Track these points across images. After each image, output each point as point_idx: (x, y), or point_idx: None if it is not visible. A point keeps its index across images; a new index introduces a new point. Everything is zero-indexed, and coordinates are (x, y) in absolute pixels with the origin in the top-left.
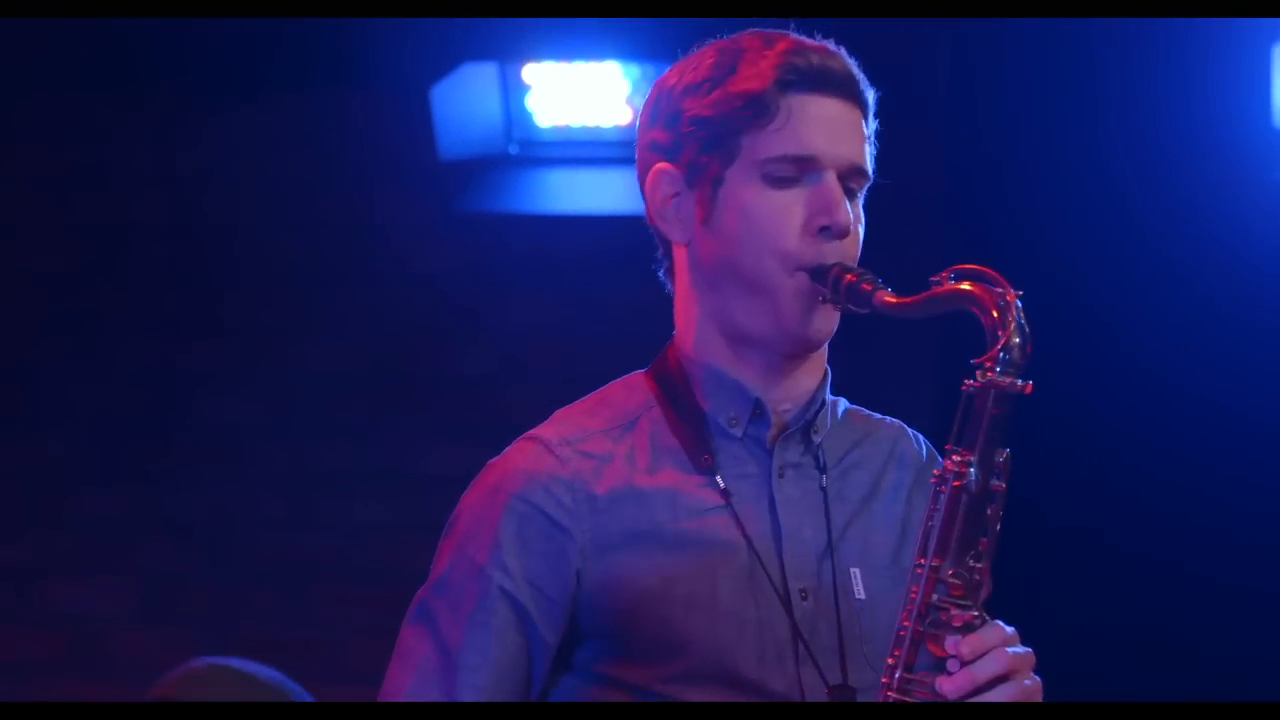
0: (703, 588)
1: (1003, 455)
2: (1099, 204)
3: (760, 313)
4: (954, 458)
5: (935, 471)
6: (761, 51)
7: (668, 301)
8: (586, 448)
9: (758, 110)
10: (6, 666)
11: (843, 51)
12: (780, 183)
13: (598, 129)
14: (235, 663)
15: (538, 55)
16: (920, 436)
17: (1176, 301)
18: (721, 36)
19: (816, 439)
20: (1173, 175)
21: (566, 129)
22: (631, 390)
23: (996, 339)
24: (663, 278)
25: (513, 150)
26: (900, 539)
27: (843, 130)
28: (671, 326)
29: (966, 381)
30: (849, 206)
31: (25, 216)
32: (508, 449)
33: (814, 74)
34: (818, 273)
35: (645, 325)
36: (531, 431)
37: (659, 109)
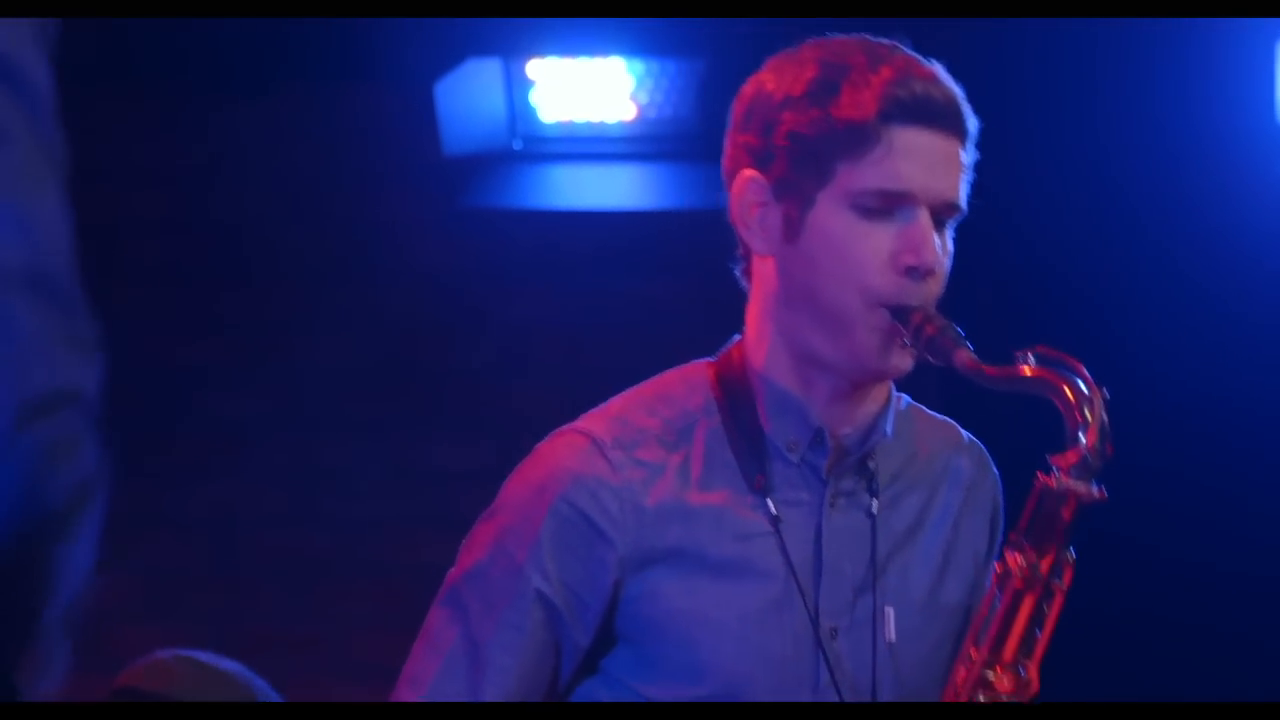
0: (732, 616)
1: (1069, 559)
2: (1102, 201)
3: (836, 342)
4: (1019, 556)
5: (997, 567)
6: (866, 75)
7: (673, 297)
8: (640, 454)
9: (857, 139)
10: None
11: (947, 78)
12: (870, 214)
13: (602, 125)
14: (200, 655)
15: (542, 51)
16: (975, 444)
17: (1180, 298)
18: (822, 35)
19: (872, 465)
20: (1176, 172)
21: (570, 125)
22: (692, 388)
23: (1078, 440)
24: (738, 275)
25: (517, 146)
26: (941, 571)
27: (940, 165)
28: (694, 325)
29: (1041, 477)
30: (938, 241)
31: None
32: (559, 438)
33: (917, 106)
34: (899, 311)
35: (650, 321)
36: (587, 423)
37: (754, 112)
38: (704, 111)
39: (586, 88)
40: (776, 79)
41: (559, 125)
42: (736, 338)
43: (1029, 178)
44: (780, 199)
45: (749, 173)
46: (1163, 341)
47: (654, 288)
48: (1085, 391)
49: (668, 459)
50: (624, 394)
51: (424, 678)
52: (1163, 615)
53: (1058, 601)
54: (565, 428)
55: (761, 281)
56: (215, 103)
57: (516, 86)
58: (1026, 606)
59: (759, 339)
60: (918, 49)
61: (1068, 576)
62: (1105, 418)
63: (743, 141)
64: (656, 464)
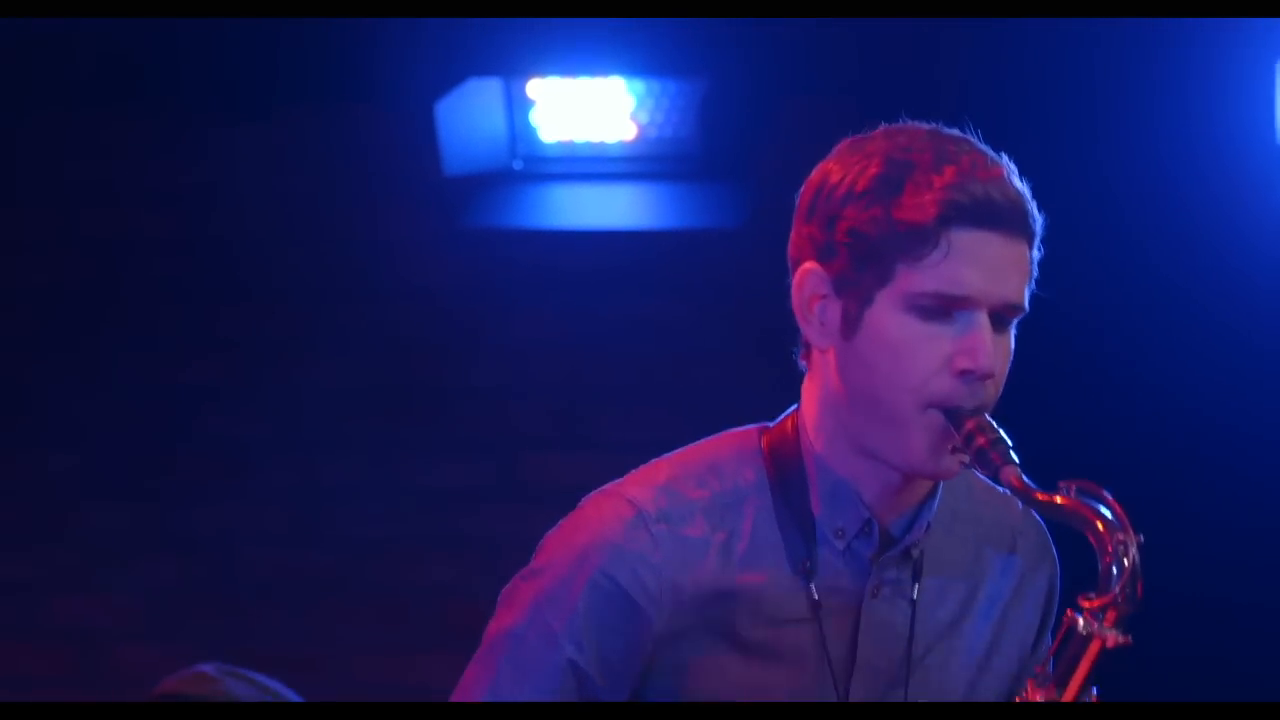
0: (757, 699)
1: (1090, 696)
2: (1101, 220)
3: (888, 441)
4: (1040, 694)
5: (1017, 699)
6: (930, 175)
7: (673, 317)
8: (686, 531)
9: (917, 241)
10: (11, 680)
11: (1013, 177)
12: (928, 315)
13: (602, 145)
14: (240, 669)
15: (542, 71)
16: (1032, 523)
17: (1180, 319)
18: (890, 125)
19: (916, 554)
20: (1176, 193)
21: (571, 144)
22: (744, 461)
23: (1109, 584)
24: (798, 361)
25: (517, 166)
26: (981, 664)
27: (1003, 268)
28: (694, 345)
29: (1070, 614)
30: (997, 343)
31: (28, 231)
32: (605, 502)
33: (978, 209)
34: (952, 414)
35: (649, 340)
36: (634, 490)
37: (817, 204)
38: (704, 131)
39: (587, 107)
40: (842, 171)
41: (559, 145)
42: (793, 409)
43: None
44: (840, 294)
45: (811, 265)
46: (1162, 361)
47: (654, 308)
48: (1120, 535)
49: (712, 536)
50: (673, 457)
51: None
52: (1159, 615)
53: None
54: (612, 489)
55: (820, 371)
56: (216, 122)
57: (517, 106)
58: None
59: (817, 425)
60: (919, 62)
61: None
62: (1138, 562)
63: (806, 233)
64: (701, 541)
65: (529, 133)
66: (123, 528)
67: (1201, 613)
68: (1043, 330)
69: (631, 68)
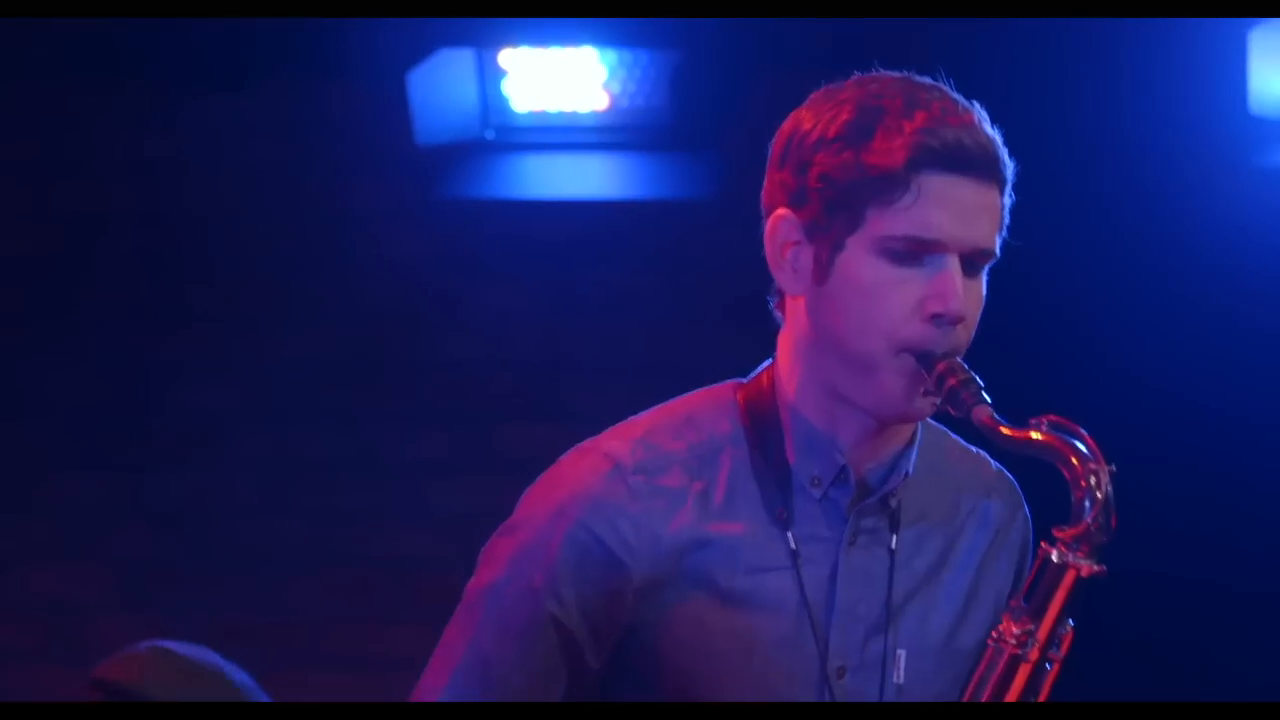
0: (737, 649)
1: (1067, 629)
2: (1074, 190)
3: (861, 385)
4: (1015, 626)
5: (993, 632)
6: (899, 120)
7: (646, 286)
8: (662, 481)
9: (887, 186)
10: None
11: (985, 123)
12: (899, 260)
13: (575, 114)
14: (176, 645)
15: (514, 41)
16: (1005, 479)
17: (1153, 286)
18: (861, 73)
19: (894, 503)
20: (1149, 161)
21: (543, 114)
22: (720, 412)
23: (1082, 514)
24: (773, 310)
25: (489, 136)
26: (961, 615)
27: (973, 212)
28: (667, 314)
29: (1045, 546)
30: (968, 288)
31: (0, 203)
32: (582, 457)
33: (949, 153)
34: (924, 358)
35: (623, 310)
36: (611, 444)
37: (789, 151)
38: (676, 101)
39: (559, 77)
40: (814, 118)
41: (531, 115)
42: (768, 363)
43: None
44: (812, 240)
45: (783, 211)
46: (1135, 329)
47: (627, 277)
48: (1092, 465)
49: (690, 486)
50: (651, 412)
51: (436, 689)
52: (1154, 615)
53: (1054, 671)
54: (590, 444)
55: (793, 319)
56: (188, 94)
57: (489, 76)
58: (1022, 675)
59: (790, 373)
60: (888, 36)
61: (1065, 647)
62: (1111, 493)
63: (779, 179)
64: (678, 491)
65: (501, 103)
66: (95, 499)
67: (1191, 610)
68: (1018, 298)
69: (603, 37)
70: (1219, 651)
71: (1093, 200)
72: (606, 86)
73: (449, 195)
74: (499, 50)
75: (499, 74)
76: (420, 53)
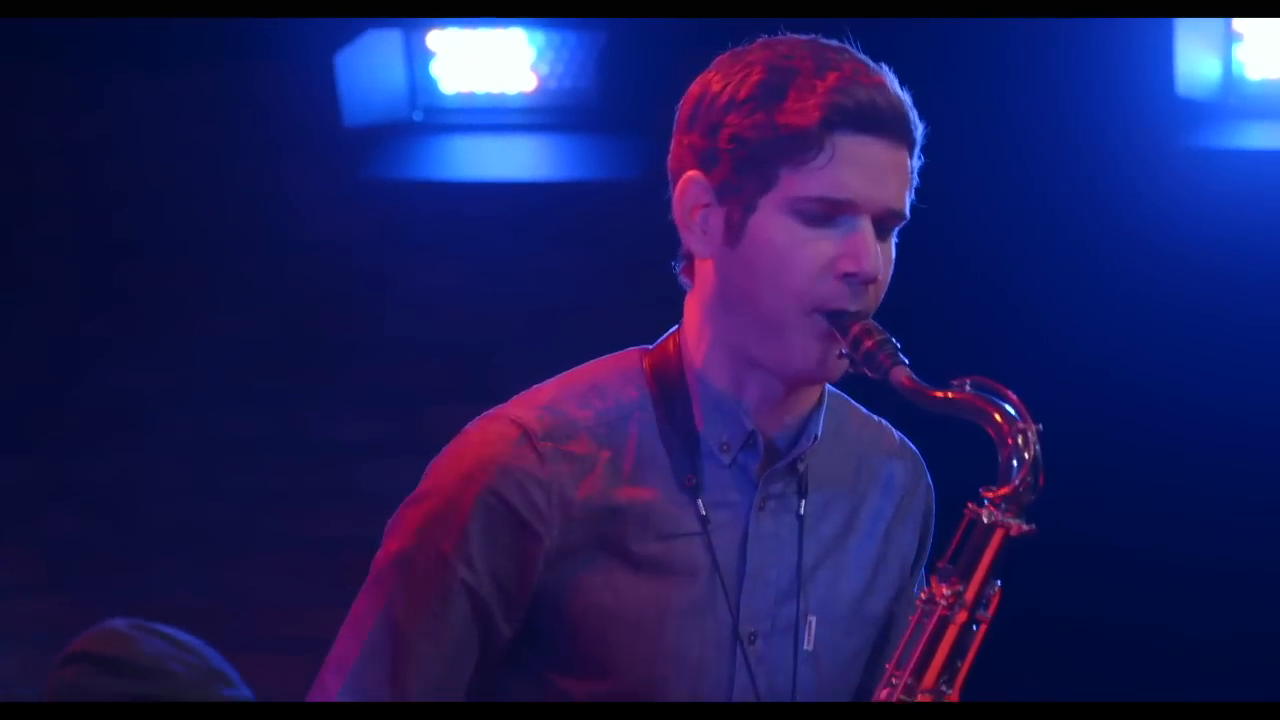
0: (650, 615)
1: (995, 589)
2: (1004, 172)
3: (772, 347)
4: (944, 588)
5: (922, 594)
6: (812, 80)
7: (573, 267)
8: (570, 447)
9: (800, 146)
10: None
11: (895, 85)
12: (812, 220)
13: (503, 95)
14: (155, 624)
15: (442, 22)
16: (909, 448)
17: (1083, 267)
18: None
19: (801, 468)
20: (1078, 144)
21: (471, 96)
22: (627, 379)
23: (1010, 474)
24: (679, 276)
25: (417, 117)
26: (869, 581)
27: (884, 173)
28: (593, 295)
29: (972, 507)
30: (879, 250)
31: None
32: (489, 424)
33: (862, 114)
34: (835, 317)
35: (551, 290)
36: (518, 411)
37: (698, 113)
38: (604, 83)
39: (487, 58)
40: (723, 80)
41: (459, 96)
42: (674, 329)
43: (927, 150)
44: (723, 201)
45: (692, 174)
46: (1065, 312)
47: (555, 257)
48: (1020, 424)
49: (599, 453)
50: (557, 380)
51: (347, 662)
52: (1151, 615)
53: (981, 632)
54: (496, 412)
55: (701, 282)
56: (114, 75)
57: (417, 57)
58: (950, 636)
59: (698, 339)
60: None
61: (993, 607)
62: (1039, 452)
63: (688, 142)
64: (587, 457)
65: (429, 84)
66: (20, 481)
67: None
68: (946, 284)
69: (531, 18)
70: (1218, 652)
71: (1022, 182)
72: (534, 68)
73: (377, 176)
74: (427, 31)
75: (427, 55)
76: (348, 34)
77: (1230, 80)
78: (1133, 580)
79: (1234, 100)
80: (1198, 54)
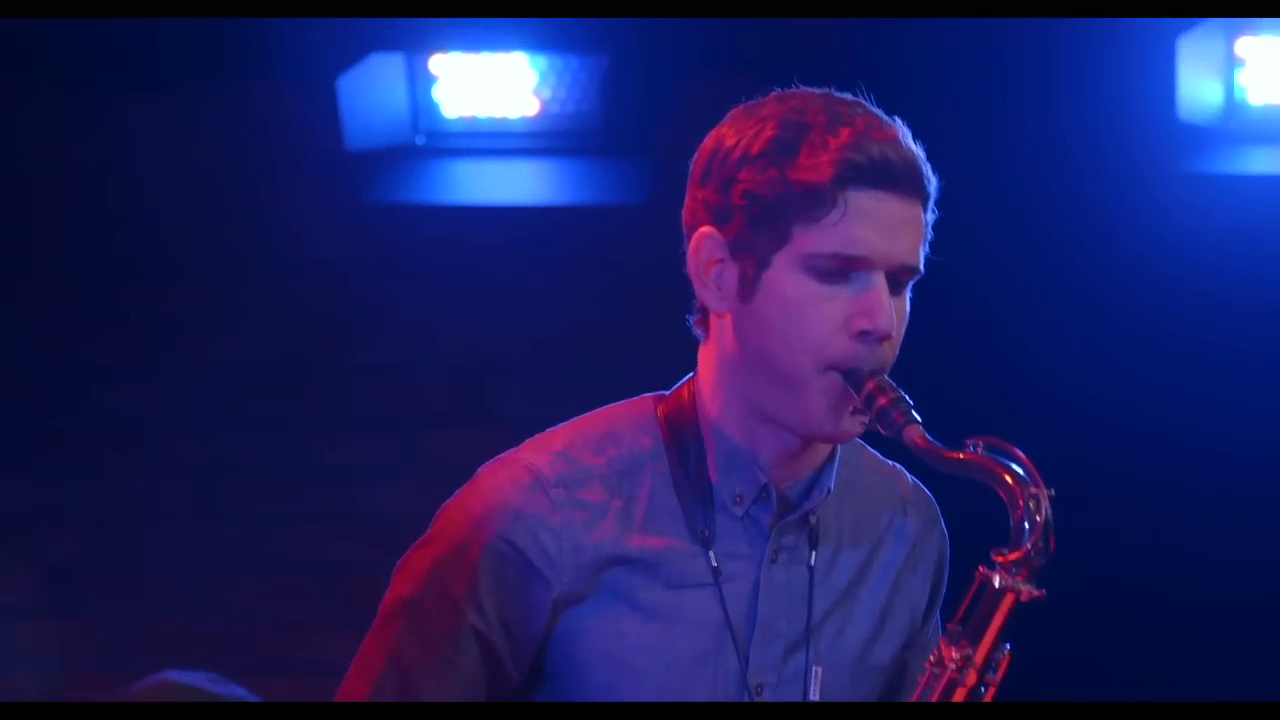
0: (656, 664)
1: (1004, 653)
2: (1005, 197)
3: (787, 403)
4: (953, 650)
5: (931, 656)
6: (825, 136)
7: (576, 292)
8: (583, 495)
9: (813, 203)
10: None
11: (908, 139)
12: (826, 277)
13: (505, 120)
14: (204, 680)
15: (445, 46)
16: (922, 494)
17: (1083, 293)
18: (784, 88)
19: (813, 520)
20: (1078, 168)
21: (474, 120)
22: (641, 428)
23: (1022, 538)
24: (692, 328)
25: (419, 141)
26: (876, 630)
27: (898, 228)
28: (596, 320)
29: (983, 570)
30: (893, 305)
31: None
32: (501, 469)
33: (875, 170)
34: (851, 375)
35: (550, 315)
36: (531, 456)
37: (712, 168)
38: (606, 107)
39: (489, 83)
40: (736, 135)
41: (462, 120)
42: (689, 377)
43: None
44: (737, 257)
45: (706, 229)
46: (1063, 337)
47: (557, 282)
48: (1031, 489)
49: (611, 501)
50: (570, 425)
51: (355, 700)
52: (1146, 614)
53: (990, 695)
54: (508, 456)
55: (716, 336)
56: (114, 94)
57: (419, 82)
58: (958, 699)
59: (713, 391)
60: (822, 40)
61: (1002, 671)
62: (1050, 516)
63: (701, 197)
64: (599, 505)
65: (431, 108)
66: (21, 504)
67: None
68: (945, 304)
69: (533, 43)
70: (1217, 652)
71: (1023, 207)
72: (537, 92)
73: (379, 200)
74: (429, 56)
75: (429, 79)
76: (351, 57)
77: (1232, 105)
78: (1140, 625)
79: (1236, 125)
80: (1200, 79)
